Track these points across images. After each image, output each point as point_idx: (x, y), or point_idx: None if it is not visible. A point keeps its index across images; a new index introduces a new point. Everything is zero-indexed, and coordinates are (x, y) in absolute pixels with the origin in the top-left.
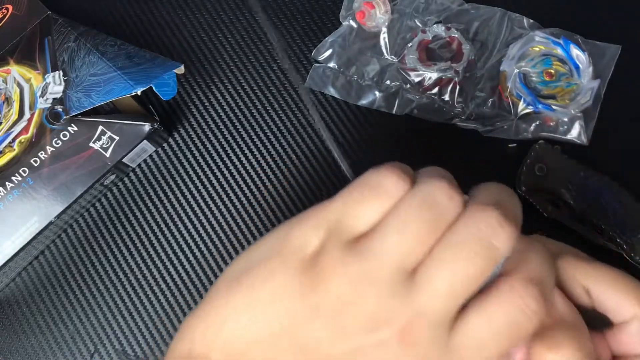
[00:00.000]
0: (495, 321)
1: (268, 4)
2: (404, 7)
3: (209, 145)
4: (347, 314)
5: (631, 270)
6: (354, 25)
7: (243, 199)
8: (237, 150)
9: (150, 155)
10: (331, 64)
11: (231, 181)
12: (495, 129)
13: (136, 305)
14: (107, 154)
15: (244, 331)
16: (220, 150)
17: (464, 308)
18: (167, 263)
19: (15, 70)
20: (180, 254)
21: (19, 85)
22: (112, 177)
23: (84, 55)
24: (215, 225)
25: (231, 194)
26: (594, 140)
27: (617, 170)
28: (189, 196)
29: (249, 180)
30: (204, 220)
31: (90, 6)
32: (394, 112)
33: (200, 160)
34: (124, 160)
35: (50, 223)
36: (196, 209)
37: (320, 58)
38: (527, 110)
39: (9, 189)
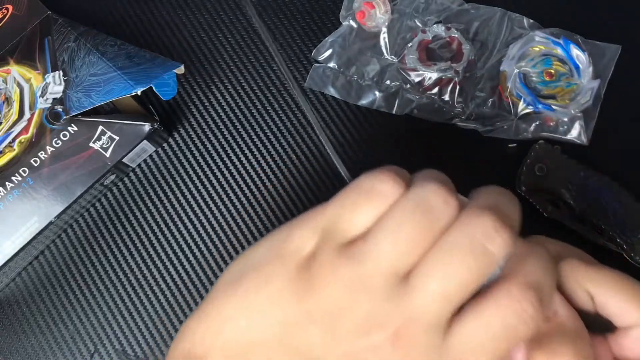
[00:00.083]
0: (491, 325)
1: (268, 4)
2: (404, 7)
3: (208, 145)
4: (341, 318)
5: (631, 270)
6: (354, 25)
7: (243, 199)
8: (237, 150)
9: (150, 155)
10: (331, 64)
11: (231, 181)
12: (495, 129)
13: (136, 305)
14: (107, 154)
15: (241, 335)
16: (220, 150)
17: (460, 311)
18: (167, 263)
19: (15, 70)
20: (180, 254)
21: (19, 85)
22: (112, 177)
23: (84, 55)
24: (215, 225)
25: (231, 194)
26: (594, 140)
27: (617, 170)
28: (189, 196)
29: (248, 180)
30: (204, 220)
31: (90, 6)
32: (394, 112)
33: (200, 160)
34: (124, 160)
35: (50, 223)
36: (196, 209)
37: (320, 58)
38: (527, 110)
39: (9, 189)
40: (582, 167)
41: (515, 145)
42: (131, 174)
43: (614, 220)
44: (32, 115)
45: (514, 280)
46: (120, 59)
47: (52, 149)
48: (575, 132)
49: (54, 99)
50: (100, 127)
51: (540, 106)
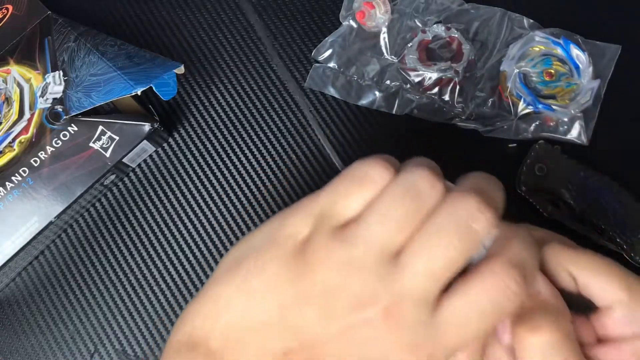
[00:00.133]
0: (476, 301)
1: (268, 4)
2: (404, 7)
3: (208, 145)
4: (335, 296)
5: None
6: (354, 25)
7: (243, 198)
8: (237, 150)
9: (150, 155)
10: (331, 64)
11: (231, 181)
12: (495, 129)
13: (136, 305)
14: (107, 154)
15: (240, 318)
16: (220, 150)
17: (449, 289)
18: (167, 263)
19: (15, 70)
20: (180, 254)
21: (19, 85)
22: (112, 177)
23: (84, 55)
24: (215, 225)
25: (231, 194)
26: (594, 140)
27: (617, 170)
28: (189, 196)
29: (248, 180)
30: (203, 220)
31: (90, 6)
32: (394, 112)
33: (200, 160)
34: (124, 160)
35: (50, 223)
36: (196, 209)
37: (320, 58)
38: (527, 110)
39: (9, 189)
40: (582, 167)
41: (515, 145)
42: (131, 174)
43: (614, 220)
44: (32, 115)
45: (498, 260)
46: (120, 59)
47: (52, 149)
48: (575, 132)
49: (54, 99)
50: (100, 127)
51: (540, 106)
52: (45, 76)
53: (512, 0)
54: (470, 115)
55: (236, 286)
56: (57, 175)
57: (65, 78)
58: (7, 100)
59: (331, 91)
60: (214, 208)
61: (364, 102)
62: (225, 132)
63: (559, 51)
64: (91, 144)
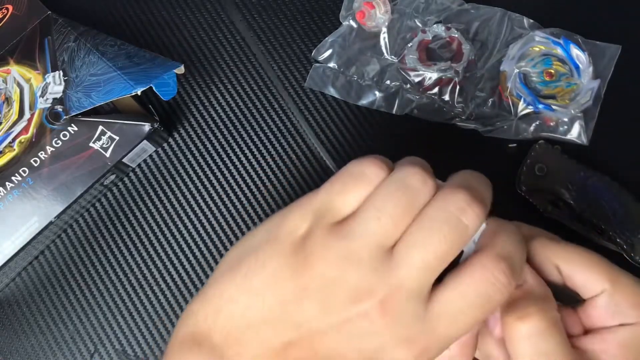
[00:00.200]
0: (467, 293)
1: (268, 4)
2: (404, 7)
3: (208, 145)
4: (332, 290)
5: (631, 270)
6: (354, 25)
7: (243, 198)
8: (237, 150)
9: (150, 155)
10: (331, 64)
11: (231, 181)
12: (495, 129)
13: (136, 305)
14: (107, 154)
15: (241, 315)
16: (220, 150)
17: (441, 283)
18: (167, 263)
19: (15, 70)
20: (180, 254)
21: (19, 85)
22: (112, 177)
23: (84, 55)
24: (215, 225)
25: (231, 194)
26: (594, 140)
27: (617, 170)
28: (189, 196)
29: (248, 180)
30: (203, 220)
31: (90, 6)
32: (394, 112)
33: (200, 160)
34: (124, 160)
35: (50, 223)
36: (196, 209)
37: (320, 58)
38: (527, 110)
39: (9, 189)
40: (582, 167)
41: (515, 145)
42: (131, 174)
43: (614, 220)
44: (32, 115)
45: (487, 253)
46: (120, 59)
47: (52, 149)
48: (575, 132)
49: (54, 99)
50: (100, 127)
51: (540, 106)
52: (45, 76)
53: (512, 0)
54: (470, 115)
55: (237, 284)
56: (57, 175)
57: (65, 78)
58: (7, 100)
59: (331, 91)
60: (213, 208)
61: (364, 102)
62: (225, 132)
63: (559, 51)
64: (91, 144)
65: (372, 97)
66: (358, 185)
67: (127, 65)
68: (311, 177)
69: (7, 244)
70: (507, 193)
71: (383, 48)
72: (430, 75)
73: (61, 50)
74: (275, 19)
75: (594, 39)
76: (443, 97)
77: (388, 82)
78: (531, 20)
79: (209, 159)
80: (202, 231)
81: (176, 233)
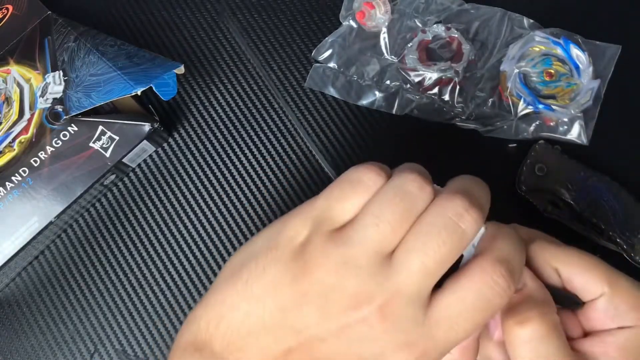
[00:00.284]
0: (466, 297)
1: (268, 4)
2: (404, 7)
3: (208, 145)
4: (332, 296)
5: (631, 270)
6: (354, 25)
7: (243, 198)
8: (237, 150)
9: (150, 155)
10: (331, 64)
11: (231, 181)
12: (495, 129)
13: (136, 305)
14: (107, 154)
15: (242, 322)
16: (220, 150)
17: (440, 288)
18: (167, 263)
19: (15, 70)
20: (180, 254)
21: (19, 85)
22: (112, 177)
23: (84, 55)
24: (215, 225)
25: (231, 194)
26: (594, 140)
27: (617, 170)
28: (189, 196)
29: (248, 180)
30: (203, 220)
31: (90, 6)
32: (394, 112)
33: (200, 160)
34: (124, 160)
35: (50, 223)
36: (196, 209)
37: (320, 58)
38: (527, 110)
39: (9, 189)
40: (582, 167)
41: (515, 145)
42: (131, 174)
43: (614, 220)
44: (32, 115)
45: (485, 257)
46: (120, 59)
47: (52, 149)
48: (575, 132)
49: (54, 99)
50: (100, 127)
51: (540, 106)
52: (45, 76)
53: (512, 0)
54: (470, 115)
55: (239, 290)
56: (57, 175)
57: (65, 78)
58: (7, 100)
59: (331, 91)
60: (213, 208)
61: (364, 102)
62: (225, 132)
63: (559, 51)
64: (91, 144)
65: (372, 97)
66: (356, 192)
67: (127, 65)
68: (311, 177)
69: (7, 244)
70: (507, 193)
71: (383, 48)
72: (430, 75)
73: (61, 50)
74: (275, 19)
75: (594, 39)
76: (443, 97)
77: (388, 82)
78: (531, 20)
79: (208, 159)
80: (201, 231)
81: (176, 233)
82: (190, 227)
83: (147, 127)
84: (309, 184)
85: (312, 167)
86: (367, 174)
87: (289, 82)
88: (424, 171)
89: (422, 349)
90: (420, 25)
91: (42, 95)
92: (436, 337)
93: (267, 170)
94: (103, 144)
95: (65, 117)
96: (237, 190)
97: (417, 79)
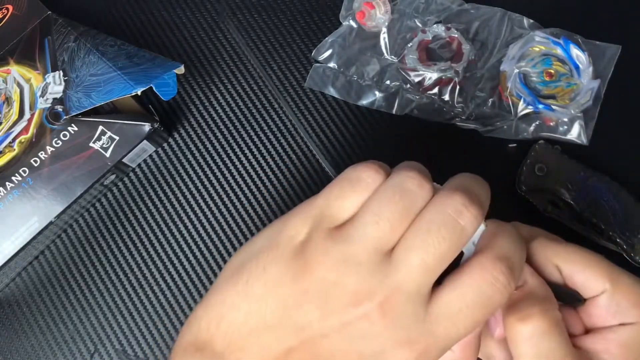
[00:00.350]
0: (466, 294)
1: (268, 4)
2: (404, 7)
3: (208, 145)
4: (333, 293)
5: (631, 270)
6: (354, 25)
7: (243, 198)
8: (237, 150)
9: (150, 155)
10: (331, 64)
11: (231, 181)
12: (495, 129)
13: (136, 305)
14: (107, 154)
15: (243, 321)
16: (220, 150)
17: (441, 285)
18: (167, 263)
19: (15, 70)
20: (180, 254)
21: (19, 85)
22: (112, 177)
23: (84, 55)
24: (215, 225)
25: (231, 194)
26: (594, 140)
27: (617, 170)
28: (189, 196)
29: (248, 180)
30: (203, 220)
31: (90, 6)
32: (394, 112)
33: (200, 160)
34: (124, 160)
35: (50, 223)
36: (196, 209)
37: (320, 58)
38: (527, 110)
39: (9, 189)
40: (582, 167)
41: (515, 145)
42: (131, 174)
43: (614, 220)
44: (32, 115)
45: (486, 254)
46: (120, 59)
47: (52, 149)
48: (575, 132)
49: (54, 99)
50: (100, 127)
51: (540, 106)
52: (45, 76)
53: (512, 0)
54: (470, 115)
55: (239, 290)
56: (57, 175)
57: (65, 78)
58: (7, 100)
59: (331, 91)
60: (213, 208)
61: (364, 102)
62: (225, 132)
63: (559, 51)
64: (91, 144)
65: (372, 97)
66: (356, 190)
67: (127, 65)
68: (311, 177)
69: (7, 244)
70: (507, 193)
71: (383, 48)
72: (430, 75)
73: (61, 50)
74: (275, 19)
75: (594, 39)
76: (443, 97)
77: (388, 82)
78: (531, 20)
79: (209, 159)
80: (201, 231)
81: (176, 233)
82: (190, 227)
83: (147, 127)
84: (309, 184)
85: (312, 167)
86: (367, 172)
87: (289, 82)
88: (423, 169)
89: (422, 346)
90: (420, 25)
91: (42, 95)
92: (437, 333)
93: (267, 170)
94: (103, 144)
95: (65, 117)
96: (237, 190)
97: (417, 79)
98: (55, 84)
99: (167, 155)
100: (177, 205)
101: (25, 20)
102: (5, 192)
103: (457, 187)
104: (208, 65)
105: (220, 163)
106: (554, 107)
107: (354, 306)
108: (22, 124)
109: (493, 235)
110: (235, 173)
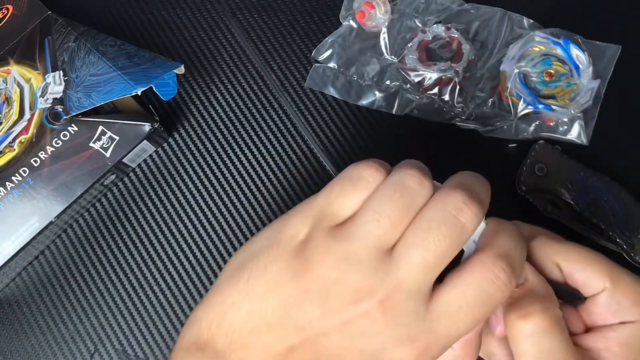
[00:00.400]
0: (467, 292)
1: (268, 4)
2: (404, 7)
3: (208, 145)
4: (333, 291)
5: (631, 270)
6: (354, 25)
7: (243, 198)
8: (237, 150)
9: (150, 155)
10: (331, 64)
11: (231, 181)
12: (495, 129)
13: (136, 305)
14: (107, 154)
15: (244, 320)
16: (220, 150)
17: (441, 283)
18: (167, 263)
19: (16, 70)
20: (180, 254)
21: (19, 85)
22: (112, 177)
23: (84, 55)
24: (215, 225)
25: (231, 194)
26: (594, 140)
27: (617, 170)
28: (189, 196)
29: (248, 180)
30: (203, 220)
31: (90, 6)
32: (394, 112)
33: (200, 160)
34: (124, 160)
35: (50, 223)
36: (196, 209)
37: (320, 58)
38: (527, 110)
39: (9, 189)
40: (582, 167)
41: (515, 145)
42: (131, 174)
43: (614, 220)
44: (32, 115)
45: (486, 252)
46: (120, 59)
47: (52, 149)
48: (575, 132)
49: (54, 99)
50: (100, 127)
51: (540, 106)
52: (46, 76)
53: (512, 0)
54: (470, 115)
55: (240, 289)
56: (57, 175)
57: (66, 78)
58: (7, 100)
59: (331, 91)
60: (213, 208)
61: (364, 102)
62: (225, 132)
63: (559, 51)
64: (91, 144)
65: (372, 97)
66: (356, 189)
67: (127, 65)
68: (311, 177)
69: (7, 244)
70: (507, 193)
71: (383, 48)
72: (430, 75)
73: (61, 50)
74: (275, 19)
75: (594, 39)
76: (443, 97)
77: (388, 82)
78: (531, 20)
79: (209, 159)
80: (202, 231)
81: (176, 233)
82: (190, 227)
83: (147, 127)
84: (309, 184)
85: (312, 167)
86: (367, 171)
87: (289, 82)
88: (424, 167)
89: (423, 344)
90: (420, 25)
91: (42, 95)
92: (437, 331)
93: (267, 170)
94: (103, 144)
95: (65, 117)
96: (237, 190)
97: (417, 79)
98: (56, 84)
99: (167, 155)
100: (177, 205)
101: (25, 20)
102: (5, 192)
103: (457, 185)
104: (208, 65)
105: (220, 163)
106: (554, 107)
107: (355, 304)
108: (22, 124)
109: (494, 233)
110: (235, 173)
